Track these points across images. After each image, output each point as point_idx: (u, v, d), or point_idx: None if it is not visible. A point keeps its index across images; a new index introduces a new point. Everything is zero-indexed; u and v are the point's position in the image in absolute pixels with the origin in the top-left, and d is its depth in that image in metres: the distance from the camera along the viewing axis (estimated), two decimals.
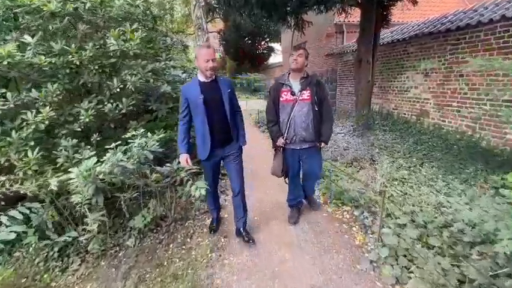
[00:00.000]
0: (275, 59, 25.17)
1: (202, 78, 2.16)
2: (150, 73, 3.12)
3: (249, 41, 23.18)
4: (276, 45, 25.12)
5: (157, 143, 2.28)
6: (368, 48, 5.51)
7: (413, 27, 6.60)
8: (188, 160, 2.27)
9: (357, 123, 6.14)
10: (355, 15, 10.90)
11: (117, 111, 2.68)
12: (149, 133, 2.44)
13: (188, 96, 2.15)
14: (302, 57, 2.33)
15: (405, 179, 3.40)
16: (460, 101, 4.98)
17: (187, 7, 19.74)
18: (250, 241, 2.43)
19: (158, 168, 2.58)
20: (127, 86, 2.64)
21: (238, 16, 19.22)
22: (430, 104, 5.71)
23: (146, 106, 3.29)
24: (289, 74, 2.45)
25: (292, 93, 2.36)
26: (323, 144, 2.48)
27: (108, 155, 1.97)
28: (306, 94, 2.34)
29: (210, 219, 2.84)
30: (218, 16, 27.02)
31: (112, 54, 2.70)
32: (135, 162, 2.01)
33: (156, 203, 2.81)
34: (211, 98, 2.13)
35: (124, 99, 2.70)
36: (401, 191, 3.10)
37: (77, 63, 2.46)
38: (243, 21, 20.36)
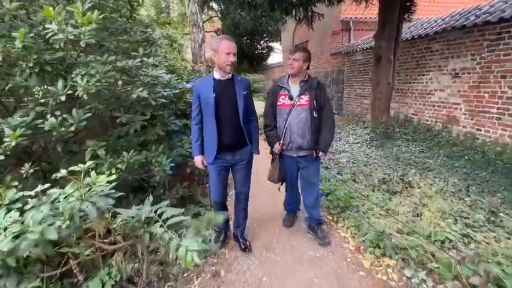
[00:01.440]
0: (275, 59, 24.40)
1: (217, 76, 2.00)
2: (118, 73, 2.31)
3: (248, 41, 22.41)
4: (275, 45, 24.40)
5: (112, 183, 1.44)
6: (390, 44, 4.72)
7: (436, 21, 5.82)
8: (204, 161, 2.14)
9: (374, 132, 5.34)
10: (363, 11, 10.18)
11: (64, 129, 1.85)
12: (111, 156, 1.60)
13: (200, 94, 2.00)
14: (298, 61, 2.15)
15: (464, 217, 2.58)
16: (501, 106, 4.19)
17: (184, 6, 18.92)
18: (247, 249, 2.32)
19: (122, 211, 1.74)
20: (77, 92, 1.81)
21: (237, 14, 18.36)
22: (460, 109, 4.91)
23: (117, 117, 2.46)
24: (288, 76, 2.29)
25: (290, 98, 2.22)
26: (320, 153, 2.27)
27: (12, 215, 1.13)
28: (305, 99, 2.19)
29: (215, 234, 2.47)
30: (216, 15, 26.28)
31: (58, 46, 1.87)
32: (65, 224, 1.17)
33: (122, 259, 1.97)
34: (224, 97, 1.98)
35: (74, 111, 1.87)
36: (462, 235, 2.28)
37: None
38: (242, 20, 19.58)
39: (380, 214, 2.69)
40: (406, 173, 3.57)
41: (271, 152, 2.45)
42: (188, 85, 3.68)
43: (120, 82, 2.24)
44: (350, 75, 8.84)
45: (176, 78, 4.09)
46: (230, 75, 2.02)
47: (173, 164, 2.43)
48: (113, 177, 1.37)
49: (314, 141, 2.23)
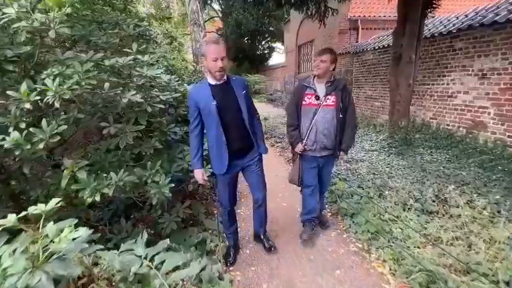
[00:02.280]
0: (276, 59, 23.99)
1: (212, 81, 1.87)
2: (106, 73, 1.89)
3: (249, 41, 22.01)
4: (277, 45, 24.01)
5: (84, 235, 0.98)
6: (411, 42, 4.29)
7: (457, 18, 5.38)
8: (204, 175, 2.05)
9: (392, 138, 4.90)
10: (371, 9, 9.77)
11: (31, 146, 1.41)
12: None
13: (199, 102, 1.86)
14: (326, 63, 2.13)
15: None
16: None
17: (185, 6, 18.50)
18: (272, 248, 2.29)
19: (105, 256, 1.29)
20: (46, 98, 1.37)
21: (240, 14, 17.96)
22: (489, 113, 4.47)
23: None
24: (314, 76, 2.26)
25: (317, 98, 2.20)
26: (341, 152, 2.36)
27: None
28: (331, 100, 2.18)
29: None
30: (217, 15, 25.91)
31: (25, 39, 1.44)
32: None
33: None
34: (225, 102, 1.87)
35: (43, 123, 1.43)
36: None
37: None
38: (244, 20, 19.18)
39: (421, 243, 2.25)
40: (440, 189, 3.12)
41: (293, 152, 2.42)
42: (190, 87, 3.24)
43: (107, 84, 1.80)
44: (359, 76, 8.40)
45: (177, 79, 3.67)
46: (225, 77, 1.87)
47: (173, 184, 1.99)
48: (83, 232, 0.91)
49: (338, 141, 2.26)
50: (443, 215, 2.65)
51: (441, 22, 5.74)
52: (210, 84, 1.87)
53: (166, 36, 4.07)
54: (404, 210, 2.77)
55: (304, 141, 2.27)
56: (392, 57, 4.76)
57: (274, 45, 23.76)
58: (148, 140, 2.18)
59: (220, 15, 23.93)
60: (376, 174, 3.75)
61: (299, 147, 2.29)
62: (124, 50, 2.21)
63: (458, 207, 2.72)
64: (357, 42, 9.54)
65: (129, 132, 1.94)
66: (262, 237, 2.36)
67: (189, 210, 2.61)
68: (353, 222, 2.61)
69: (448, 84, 5.22)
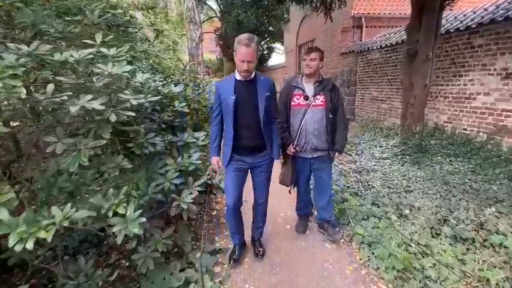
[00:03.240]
0: (275, 60, 23.56)
1: (238, 76, 1.90)
2: (51, 72, 1.43)
3: None
4: (276, 46, 23.58)
5: None
6: (428, 37, 3.82)
7: (475, 12, 4.93)
8: (220, 162, 2.10)
9: (405, 144, 4.42)
10: (376, 6, 9.32)
11: None
12: None
13: (221, 94, 1.92)
14: (315, 61, 2.14)
15: None
16: None
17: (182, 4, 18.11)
18: (259, 255, 2.24)
19: None
20: None
21: (240, 13, 17.54)
22: None
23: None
24: (302, 76, 2.26)
25: (306, 98, 2.19)
26: (336, 153, 2.33)
27: None
28: (320, 99, 2.17)
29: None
30: (215, 15, 25.47)
31: None
32: None
33: None
34: (244, 99, 1.88)
35: None
36: None
37: None
38: (246, 19, 18.74)
39: (463, 284, 1.77)
40: (471, 207, 2.65)
41: (283, 155, 2.35)
42: (177, 88, 2.77)
43: (51, 87, 1.33)
44: (364, 76, 7.94)
45: (163, 78, 3.19)
46: (252, 75, 1.90)
47: (144, 219, 1.51)
48: None
49: (330, 142, 2.23)
50: (482, 244, 2.18)
51: (455, 17, 5.28)
52: (235, 79, 1.90)
53: (151, 29, 3.60)
54: (432, 236, 2.30)
55: (295, 142, 2.23)
56: (406, 55, 4.29)
57: (273, 45, 23.31)
58: (111, 157, 1.69)
59: (219, 15, 23.49)
60: (392, 188, 3.27)
61: (290, 149, 2.25)
62: (86, 41, 1.73)
63: (498, 233, 2.25)
64: (360, 40, 9.09)
65: (84, 149, 1.46)
66: (255, 240, 2.32)
67: (172, 240, 2.13)
68: (373, 254, 2.13)
69: (465, 84, 4.75)
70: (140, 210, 1.52)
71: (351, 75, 8.66)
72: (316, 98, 2.17)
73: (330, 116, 2.18)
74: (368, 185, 3.41)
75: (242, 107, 1.89)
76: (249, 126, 1.93)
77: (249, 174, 2.15)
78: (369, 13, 8.94)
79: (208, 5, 25.90)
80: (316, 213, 2.67)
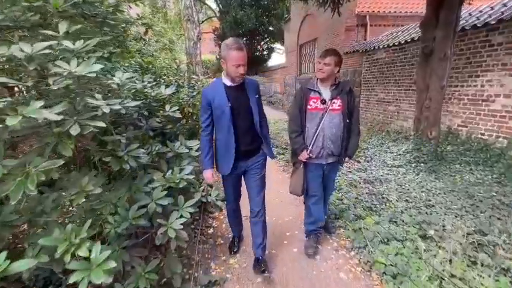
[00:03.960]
0: (275, 60, 23.24)
1: (228, 82, 1.84)
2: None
3: (248, 41, 21.24)
4: (276, 46, 23.25)
5: None
6: (447, 33, 3.48)
7: (492, 8, 4.58)
8: (214, 175, 2.02)
9: (419, 150, 4.07)
10: (380, 4, 8.98)
11: None
12: None
13: (212, 101, 1.82)
14: (330, 66, 1.99)
15: None
16: None
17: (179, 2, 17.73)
18: (266, 272, 2.01)
19: None
20: None
21: (237, 12, 17.23)
22: None
23: None
24: (317, 79, 2.13)
25: (323, 102, 2.08)
26: (347, 158, 2.26)
27: None
28: (338, 103, 2.08)
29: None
30: (214, 15, 25.17)
31: None
32: None
33: None
34: (239, 105, 1.85)
35: None
36: None
37: None
38: (244, 18, 18.41)
39: None
40: (506, 227, 2.29)
41: (294, 161, 2.30)
42: (168, 90, 2.42)
43: None
44: (370, 76, 7.59)
45: (153, 79, 2.83)
46: (241, 81, 1.85)
47: (114, 264, 1.16)
48: None
49: (344, 147, 2.18)
50: None
51: (470, 14, 4.93)
52: (225, 86, 1.84)
53: (139, 23, 3.25)
54: (467, 265, 1.94)
55: (309, 148, 2.13)
56: (421, 54, 3.95)
57: (273, 45, 22.99)
58: (76, 178, 1.34)
59: (218, 14, 23.17)
60: (410, 202, 2.92)
61: (304, 155, 2.14)
62: (44, 32, 1.38)
63: None
64: (365, 40, 8.74)
65: (33, 172, 1.10)
66: (260, 259, 2.07)
67: (158, 272, 1.77)
68: None
69: (482, 86, 4.41)
70: (109, 252, 1.16)
71: (355, 75, 8.32)
72: (334, 102, 2.08)
73: (347, 120, 2.12)
74: (383, 197, 3.06)
75: (238, 113, 1.86)
76: (246, 130, 1.92)
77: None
78: (373, 11, 8.60)
79: (207, 4, 25.59)
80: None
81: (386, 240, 2.26)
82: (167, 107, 2.50)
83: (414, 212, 2.71)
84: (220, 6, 21.63)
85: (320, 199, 2.30)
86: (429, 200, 2.92)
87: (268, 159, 2.12)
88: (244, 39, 20.96)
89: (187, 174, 2.05)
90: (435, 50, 3.62)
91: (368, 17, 8.60)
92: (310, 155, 2.14)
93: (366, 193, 3.18)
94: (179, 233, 1.74)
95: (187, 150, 2.25)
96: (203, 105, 1.88)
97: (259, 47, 22.35)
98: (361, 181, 3.51)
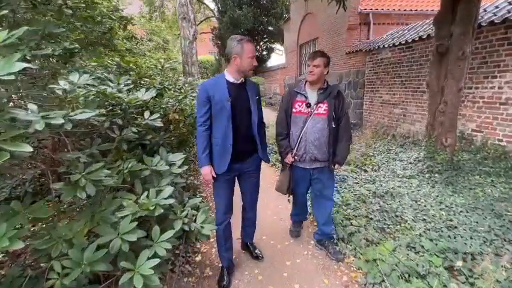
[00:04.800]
0: (275, 60, 22.88)
1: (232, 78, 1.82)
2: None
3: None
4: (276, 46, 22.90)
5: None
6: (466, 29, 3.13)
7: (509, 3, 4.21)
8: (213, 172, 1.88)
9: (432, 159, 3.70)
10: (384, 2, 8.63)
11: None
12: None
13: (213, 95, 1.76)
14: (320, 67, 1.99)
15: None
16: None
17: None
18: (260, 257, 2.23)
19: None
20: None
21: (235, 12, 16.91)
22: None
23: None
24: (306, 81, 2.12)
25: (308, 105, 2.05)
26: (336, 165, 2.16)
27: None
28: (323, 108, 2.04)
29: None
30: (212, 14, 24.82)
31: None
32: None
33: None
34: (239, 103, 1.83)
35: None
36: None
37: None
38: (242, 18, 18.04)
39: None
40: None
41: (282, 162, 2.30)
42: (146, 95, 2.04)
43: None
44: (373, 77, 7.22)
45: (132, 81, 2.46)
46: (243, 78, 1.85)
47: None
48: None
49: (331, 153, 2.09)
50: None
51: (485, 10, 4.56)
52: (228, 82, 1.81)
53: (117, 16, 2.88)
54: None
55: (294, 151, 2.13)
56: (435, 53, 3.57)
57: (272, 45, 22.64)
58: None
59: (217, 14, 22.83)
60: (428, 222, 2.54)
61: (289, 158, 2.15)
62: None
63: None
64: (368, 39, 8.39)
65: None
66: (249, 245, 2.31)
67: None
68: None
69: (500, 87, 4.04)
70: None
71: (358, 76, 7.95)
72: (319, 106, 2.03)
73: (333, 125, 2.04)
74: (396, 216, 2.68)
75: (237, 111, 1.82)
76: (244, 129, 1.89)
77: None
78: (377, 9, 8.25)
79: (205, 4, 25.25)
80: (316, 228, 2.50)
81: (406, 275, 1.88)
82: (146, 114, 2.13)
83: (435, 235, 2.33)
84: (219, 5, 21.28)
85: (303, 195, 2.39)
86: (451, 220, 2.55)
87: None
88: None
89: (166, 198, 1.69)
90: (451, 49, 3.25)
91: (371, 15, 8.24)
92: (296, 158, 2.13)
93: (377, 210, 2.81)
94: (150, 280, 1.36)
95: (168, 167, 1.89)
96: (201, 100, 1.79)
97: (258, 47, 21.99)
98: (370, 195, 3.14)
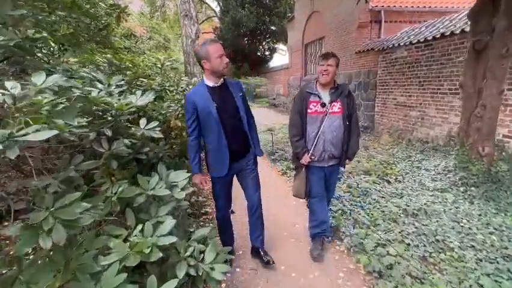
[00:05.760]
0: (279, 61, 22.48)
1: (210, 83, 1.85)
2: None
3: (249, 41, 20.51)
4: (279, 46, 22.51)
5: None
6: (510, 23, 2.69)
7: None
8: (206, 180, 1.98)
9: (466, 169, 3.28)
10: None
11: None
12: None
13: (197, 104, 1.80)
14: (333, 67, 2.03)
15: None
16: None
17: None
18: (271, 262, 2.12)
19: None
20: None
21: (237, 11, 16.56)
22: None
23: None
24: (316, 82, 2.15)
25: (323, 105, 2.09)
26: (347, 161, 2.27)
27: None
28: (337, 106, 2.10)
29: None
30: (214, 14, 24.49)
31: None
32: None
33: None
34: (225, 105, 1.85)
35: None
36: None
37: None
38: (244, 18, 17.66)
39: None
40: None
41: (296, 165, 2.30)
42: (142, 99, 1.64)
43: None
44: (387, 78, 6.81)
45: (121, 82, 2.06)
46: (222, 79, 1.87)
47: None
48: None
49: (345, 149, 2.17)
50: None
51: None
52: (208, 87, 1.83)
53: (106, 4, 2.49)
54: None
55: (311, 151, 2.13)
56: (471, 50, 3.16)
57: (275, 46, 22.24)
58: None
59: (219, 14, 22.48)
60: (479, 251, 2.13)
61: (306, 159, 2.14)
62: None
63: None
64: (379, 37, 7.97)
65: None
66: (260, 249, 2.19)
67: None
68: None
69: None
70: None
71: (369, 76, 7.53)
72: (333, 105, 2.09)
73: (347, 123, 2.12)
74: (438, 241, 2.27)
75: (225, 112, 1.84)
76: (235, 130, 1.90)
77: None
78: (389, 6, 7.83)
79: (207, 4, 24.91)
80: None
81: None
82: (142, 122, 1.74)
83: (491, 268, 1.93)
84: (221, 5, 20.91)
85: (323, 198, 2.29)
86: (506, 248, 2.14)
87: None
88: (245, 39, 20.23)
89: (166, 235, 1.31)
90: (492, 45, 2.85)
91: (383, 12, 7.83)
92: (312, 158, 2.14)
93: (413, 232, 2.40)
94: None
95: (168, 191, 1.49)
96: (188, 110, 1.82)
97: (260, 47, 21.63)
98: (401, 212, 2.73)
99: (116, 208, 1.38)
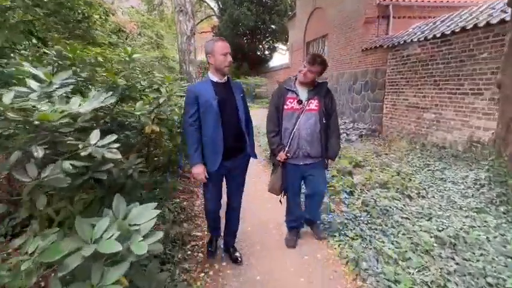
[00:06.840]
0: (278, 60, 21.96)
1: (215, 78, 1.90)
2: None
3: (249, 40, 20.02)
4: (279, 45, 22.03)
5: None
6: None
7: None
8: (205, 171, 1.90)
9: (504, 183, 2.78)
10: None
11: None
12: None
13: (200, 96, 1.83)
14: (313, 74, 2.03)
15: None
16: None
17: None
18: (238, 259, 2.18)
19: None
20: None
21: (236, 9, 16.00)
22: None
23: None
24: (296, 79, 2.17)
25: (299, 102, 2.11)
26: (329, 161, 2.29)
27: None
28: (314, 104, 2.12)
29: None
30: (213, 13, 23.99)
31: None
32: None
33: None
34: (226, 101, 1.89)
35: None
36: None
37: None
38: (242, 16, 17.15)
39: None
40: None
41: (273, 161, 2.32)
42: (87, 105, 1.13)
43: None
44: (397, 77, 6.30)
45: (75, 79, 1.55)
46: (226, 78, 1.93)
47: None
48: None
49: (323, 149, 2.17)
50: None
51: None
52: (212, 82, 1.88)
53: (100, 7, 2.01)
54: None
55: (286, 148, 2.15)
56: (510, 44, 2.65)
57: (275, 45, 21.74)
58: None
59: (217, 12, 21.98)
60: None
61: (281, 156, 2.15)
62: None
63: None
64: (386, 34, 7.47)
65: None
66: (230, 246, 2.25)
67: None
68: None
69: None
70: None
71: (377, 76, 7.02)
72: (310, 102, 2.10)
73: (324, 121, 2.12)
74: (489, 285, 1.76)
75: (224, 107, 1.86)
76: (232, 126, 1.92)
77: None
78: (398, 0, 7.32)
79: (206, 2, 24.42)
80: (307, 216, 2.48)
81: None
82: (93, 136, 1.24)
83: None
84: (219, 3, 20.42)
85: (296, 194, 2.33)
86: None
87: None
88: (244, 38, 19.72)
89: None
90: None
91: (391, 7, 7.32)
92: (288, 155, 2.14)
93: (455, 271, 1.88)
94: None
95: (120, 247, 0.99)
96: (190, 101, 1.83)
97: (260, 46, 21.14)
98: (434, 241, 2.21)
99: (30, 280, 0.88)
